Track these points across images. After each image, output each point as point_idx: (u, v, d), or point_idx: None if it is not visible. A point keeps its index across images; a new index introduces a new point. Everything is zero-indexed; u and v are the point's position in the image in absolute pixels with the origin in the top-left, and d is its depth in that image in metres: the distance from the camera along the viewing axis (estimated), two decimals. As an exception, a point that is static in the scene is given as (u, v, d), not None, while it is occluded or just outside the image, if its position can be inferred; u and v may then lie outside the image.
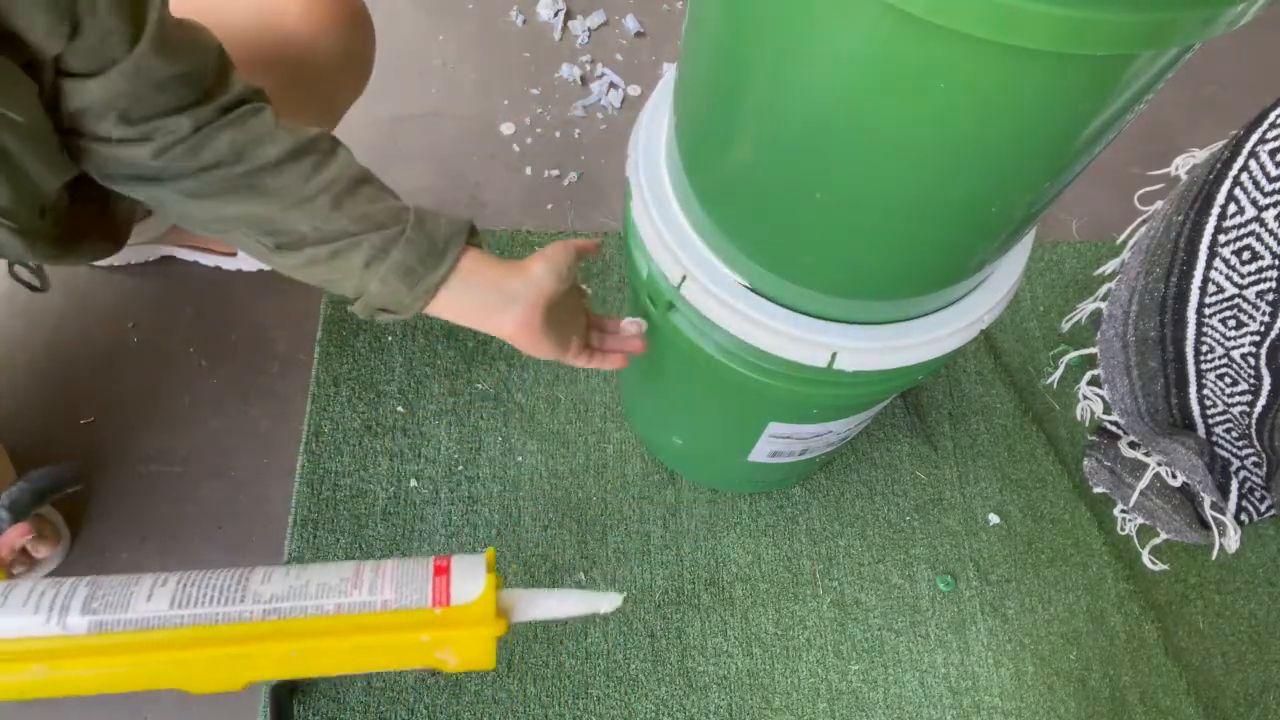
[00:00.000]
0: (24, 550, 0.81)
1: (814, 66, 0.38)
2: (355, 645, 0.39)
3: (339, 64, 0.73)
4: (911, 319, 0.57)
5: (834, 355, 0.55)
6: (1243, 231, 0.82)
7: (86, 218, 0.63)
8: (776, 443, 0.74)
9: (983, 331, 0.59)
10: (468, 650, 0.39)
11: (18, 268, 0.66)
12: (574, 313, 0.64)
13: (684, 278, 0.56)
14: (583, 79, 1.17)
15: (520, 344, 0.60)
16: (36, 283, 0.67)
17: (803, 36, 0.37)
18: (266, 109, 0.55)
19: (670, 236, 0.56)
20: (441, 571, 0.41)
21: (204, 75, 0.53)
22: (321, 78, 0.72)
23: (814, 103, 0.40)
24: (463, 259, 0.57)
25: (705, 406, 0.75)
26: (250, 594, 0.39)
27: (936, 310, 0.57)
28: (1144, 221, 1.06)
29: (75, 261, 0.62)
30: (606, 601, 0.42)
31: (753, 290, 0.56)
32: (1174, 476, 0.95)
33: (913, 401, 0.98)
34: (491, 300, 0.58)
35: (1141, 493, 0.94)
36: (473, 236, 0.59)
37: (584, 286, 0.66)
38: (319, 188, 0.55)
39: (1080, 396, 1.01)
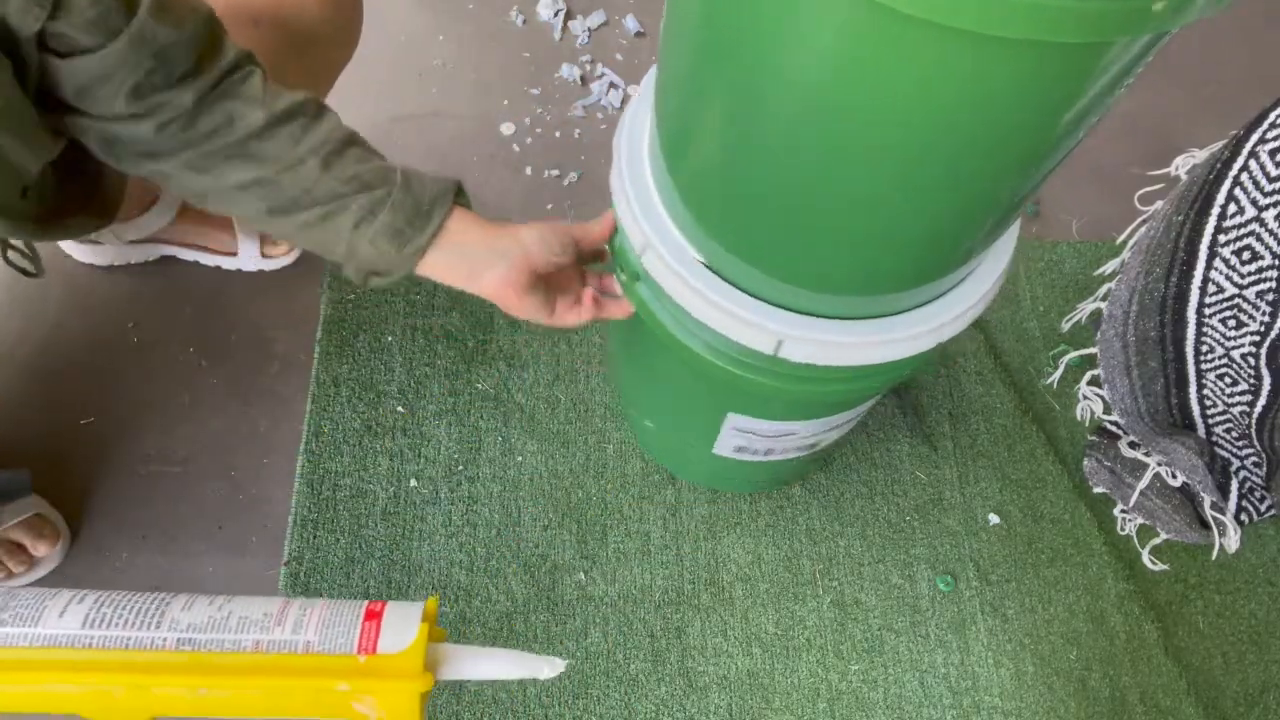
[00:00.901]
0: (24, 549, 0.81)
1: (783, 53, 0.38)
2: (267, 687, 0.36)
3: (327, 24, 0.73)
4: (870, 318, 0.56)
5: (780, 343, 0.54)
6: (1243, 231, 0.82)
7: (74, 196, 0.63)
8: (739, 437, 0.73)
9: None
10: (389, 703, 0.37)
11: (11, 254, 0.66)
12: (567, 282, 0.64)
13: (646, 247, 0.56)
14: (583, 79, 1.17)
15: (501, 303, 0.61)
16: (31, 268, 0.67)
17: (772, 24, 0.37)
18: (256, 73, 0.56)
19: (638, 206, 0.57)
20: (373, 616, 0.39)
21: (199, 41, 0.53)
22: (312, 38, 0.72)
23: (782, 90, 0.40)
24: (449, 220, 0.58)
25: (668, 387, 0.75)
26: (168, 621, 0.37)
27: (895, 313, 0.56)
28: (1144, 221, 1.06)
29: (63, 237, 0.62)
30: (548, 667, 0.40)
31: (709, 268, 0.55)
32: (1174, 476, 0.95)
33: (912, 401, 0.98)
34: (478, 259, 0.59)
35: (1141, 493, 0.94)
36: (460, 196, 0.60)
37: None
38: (308, 150, 0.55)
39: (1080, 396, 1.01)
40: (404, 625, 0.38)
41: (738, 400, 0.67)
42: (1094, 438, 0.99)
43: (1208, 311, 0.88)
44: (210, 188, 0.56)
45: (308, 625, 0.38)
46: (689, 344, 0.60)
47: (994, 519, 0.94)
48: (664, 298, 0.58)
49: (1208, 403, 0.93)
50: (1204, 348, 0.90)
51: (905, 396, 0.99)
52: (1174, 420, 0.97)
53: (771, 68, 0.40)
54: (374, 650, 0.37)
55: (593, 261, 0.67)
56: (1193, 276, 0.87)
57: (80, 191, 0.64)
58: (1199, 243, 0.86)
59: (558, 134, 1.13)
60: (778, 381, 0.59)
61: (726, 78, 0.43)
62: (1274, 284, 0.81)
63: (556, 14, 1.21)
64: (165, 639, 0.37)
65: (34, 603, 0.38)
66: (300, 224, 0.56)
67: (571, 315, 0.63)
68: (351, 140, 0.58)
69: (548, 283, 0.62)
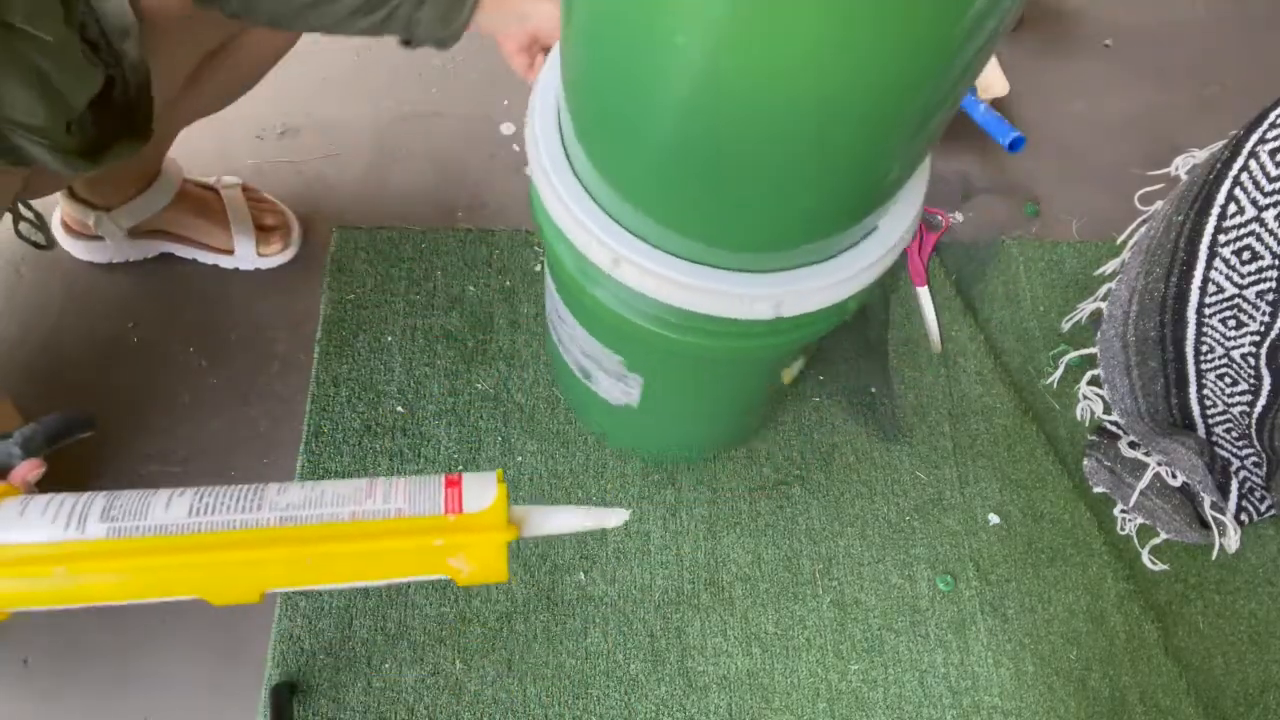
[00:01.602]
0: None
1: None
2: (370, 550, 0.39)
3: None
4: (685, 260, 0.54)
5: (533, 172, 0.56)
6: (1243, 231, 0.82)
7: (109, 125, 0.65)
8: (552, 303, 0.73)
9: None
10: (480, 556, 0.40)
11: (23, 226, 0.67)
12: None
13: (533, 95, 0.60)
14: (583, 79, 1.17)
15: (501, 49, 0.72)
16: (42, 240, 0.68)
17: None
18: None
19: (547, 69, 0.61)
20: (453, 484, 0.42)
21: None
22: None
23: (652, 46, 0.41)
24: None
25: None
26: (267, 503, 0.40)
27: (719, 268, 0.54)
28: (1144, 221, 1.06)
29: (110, 162, 0.64)
30: (613, 517, 0.43)
31: (559, 129, 0.57)
32: (1174, 476, 0.95)
33: (912, 402, 0.98)
34: (502, 19, 0.70)
35: (1141, 493, 0.94)
36: None
37: None
38: None
39: (1080, 396, 1.01)
40: (482, 489, 0.41)
41: (554, 263, 0.67)
42: (1094, 438, 0.99)
43: (1208, 311, 0.88)
44: (290, 7, 0.64)
45: (395, 495, 0.41)
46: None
47: (994, 519, 0.94)
48: None
49: (1208, 403, 0.93)
50: (1204, 348, 0.90)
51: (895, 396, 0.99)
52: (1174, 420, 0.97)
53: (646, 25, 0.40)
54: (460, 510, 0.40)
55: None
56: (1193, 276, 0.87)
57: (114, 120, 0.65)
58: (1199, 243, 0.86)
59: (558, 134, 1.13)
60: (549, 235, 0.61)
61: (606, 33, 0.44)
62: (1274, 284, 0.81)
63: (556, 14, 1.21)
64: (268, 518, 0.39)
65: (138, 499, 0.40)
66: (368, 25, 0.66)
67: (532, 74, 0.72)
68: None
69: (540, 52, 0.72)
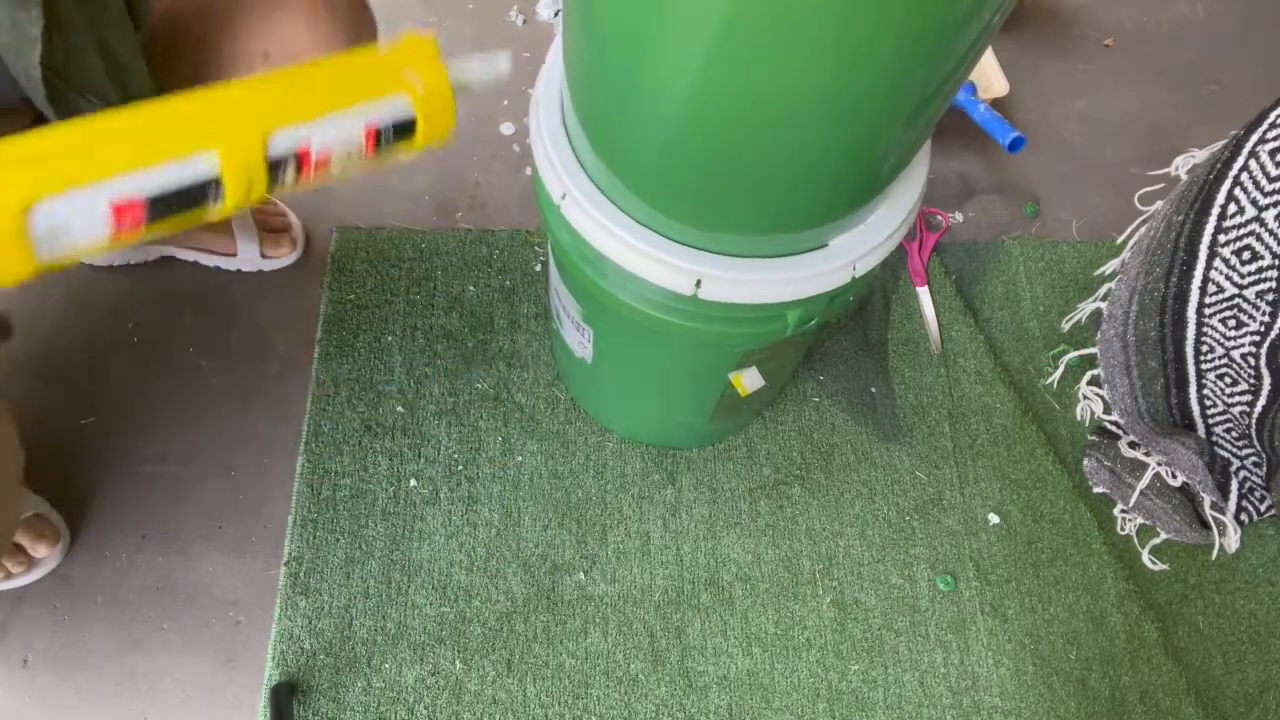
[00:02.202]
0: (23, 550, 0.81)
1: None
2: (336, 69, 0.46)
3: None
4: (667, 238, 0.54)
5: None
6: (1243, 231, 0.82)
7: None
8: (548, 258, 0.73)
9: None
10: (424, 64, 0.46)
11: None
12: None
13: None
14: (583, 79, 1.17)
15: None
16: None
17: None
18: None
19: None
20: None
21: None
22: None
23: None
24: None
25: None
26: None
27: (665, 236, 0.55)
28: (1144, 221, 1.06)
29: None
30: (496, 62, 0.49)
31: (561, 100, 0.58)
32: (1174, 476, 0.95)
33: (912, 401, 0.98)
34: None
35: (1141, 493, 0.94)
36: None
37: None
38: None
39: (1080, 396, 1.01)
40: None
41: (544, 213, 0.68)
42: (1094, 438, 0.99)
43: (1208, 311, 0.88)
44: None
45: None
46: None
47: (994, 519, 0.94)
48: None
49: (1208, 403, 0.93)
50: (1204, 348, 0.90)
51: (895, 396, 0.99)
52: (1174, 420, 0.97)
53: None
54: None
55: None
56: (1193, 276, 0.87)
57: None
58: (1199, 243, 0.86)
59: (558, 134, 1.13)
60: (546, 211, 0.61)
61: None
62: (1274, 284, 0.81)
63: (556, 14, 1.21)
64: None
65: None
66: None
67: None
68: None
69: None
